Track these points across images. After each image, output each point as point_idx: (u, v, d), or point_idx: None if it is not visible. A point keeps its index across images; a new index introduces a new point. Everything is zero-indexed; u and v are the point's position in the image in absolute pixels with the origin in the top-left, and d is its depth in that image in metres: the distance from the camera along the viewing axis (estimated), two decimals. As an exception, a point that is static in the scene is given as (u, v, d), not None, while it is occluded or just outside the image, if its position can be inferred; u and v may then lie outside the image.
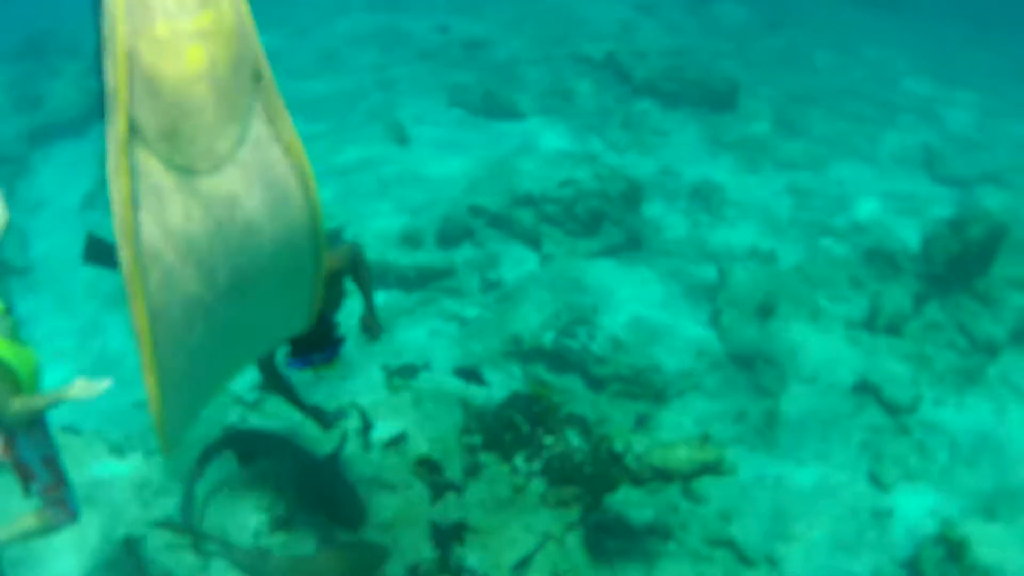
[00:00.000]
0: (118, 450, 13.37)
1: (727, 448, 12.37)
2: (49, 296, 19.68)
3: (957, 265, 16.82)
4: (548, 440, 11.41)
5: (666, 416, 14.61)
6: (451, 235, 18.10)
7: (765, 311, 16.33)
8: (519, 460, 11.33)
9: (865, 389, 15.53)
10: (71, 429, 13.97)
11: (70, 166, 25.08)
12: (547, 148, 21.81)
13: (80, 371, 16.81)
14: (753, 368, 15.70)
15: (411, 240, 17.78)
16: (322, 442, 11.97)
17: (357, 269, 9.41)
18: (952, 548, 12.71)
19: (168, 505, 12.07)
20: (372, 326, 9.67)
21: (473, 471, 11.32)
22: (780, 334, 16.12)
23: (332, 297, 9.10)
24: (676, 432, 14.11)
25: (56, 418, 15.02)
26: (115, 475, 12.79)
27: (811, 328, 16.35)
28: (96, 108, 6.63)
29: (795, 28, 32.43)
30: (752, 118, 24.39)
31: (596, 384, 14.76)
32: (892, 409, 15.30)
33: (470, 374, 13.26)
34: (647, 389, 14.75)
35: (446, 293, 16.99)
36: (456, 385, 13.82)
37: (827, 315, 16.75)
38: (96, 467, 12.98)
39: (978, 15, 36.55)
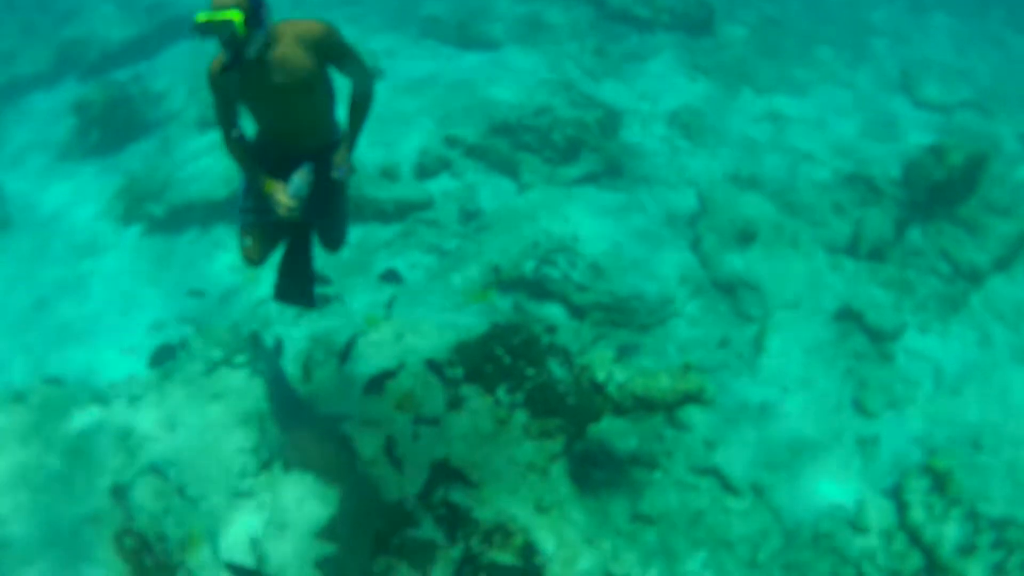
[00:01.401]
0: (102, 398, 13.41)
1: (710, 375, 12.34)
2: (27, 248, 19.56)
3: (939, 192, 16.78)
4: (530, 371, 11.32)
5: (649, 342, 14.51)
6: (428, 167, 17.95)
7: (746, 237, 16.20)
8: (501, 392, 11.24)
9: (848, 316, 15.48)
10: (55, 380, 13.98)
11: (44, 119, 24.92)
12: (522, 77, 21.58)
13: (62, 322, 16.95)
14: (735, 294, 15.59)
15: (388, 174, 17.62)
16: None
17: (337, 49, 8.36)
18: (937, 478, 12.69)
19: (154, 452, 12.05)
20: (343, 164, 8.81)
21: (455, 404, 11.24)
22: (762, 260, 16.01)
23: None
24: (659, 360, 14.11)
25: (37, 371, 15.06)
26: (100, 423, 12.82)
27: (793, 254, 16.28)
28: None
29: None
30: (729, 44, 24.13)
31: (578, 312, 14.61)
32: (875, 336, 15.25)
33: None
34: (629, 317, 14.61)
35: (425, 225, 16.81)
36: (438, 318, 13.78)
37: (809, 241, 16.66)
38: (80, 417, 12.99)
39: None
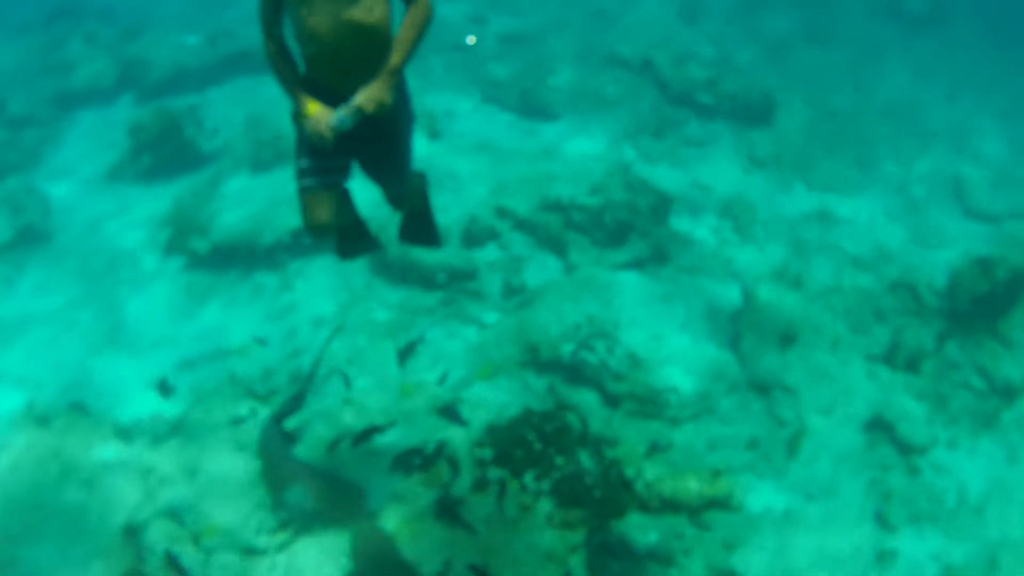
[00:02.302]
0: (125, 434, 13.45)
1: (737, 475, 12.36)
2: (68, 265, 19.63)
3: (982, 305, 16.67)
4: (559, 460, 11.28)
5: (679, 437, 14.47)
6: (476, 236, 17.96)
7: (786, 338, 16.19)
8: (529, 478, 11.21)
9: (879, 426, 15.40)
10: (79, 407, 13.99)
11: (97, 134, 25.06)
12: (579, 152, 21.64)
13: (92, 344, 16.96)
14: (769, 395, 15.55)
15: (435, 239, 17.62)
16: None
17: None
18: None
19: (172, 495, 12.09)
20: (382, 92, 7.57)
21: (481, 486, 11.23)
22: (799, 363, 16.02)
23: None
24: (688, 455, 14.07)
25: (64, 393, 15.07)
26: (120, 459, 12.89)
27: (831, 359, 16.26)
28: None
29: (835, 43, 32.18)
30: (786, 136, 24.09)
31: (611, 401, 14.64)
32: (904, 448, 15.20)
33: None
34: (662, 410, 14.62)
35: (467, 295, 16.87)
36: (470, 393, 13.82)
37: (848, 347, 16.63)
38: (101, 449, 13.07)
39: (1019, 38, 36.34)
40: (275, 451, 12.68)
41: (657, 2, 32.79)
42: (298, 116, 7.68)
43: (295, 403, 13.61)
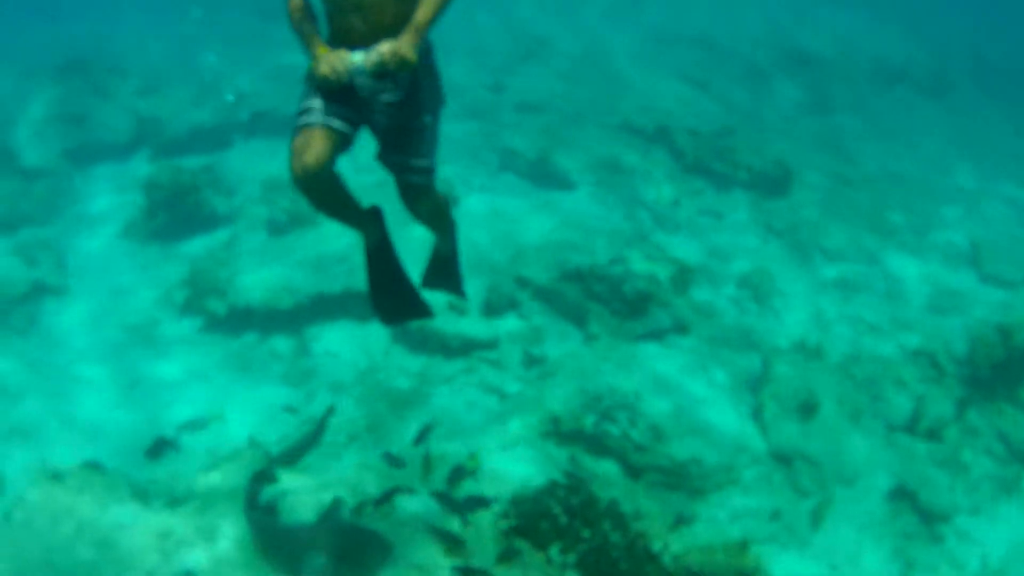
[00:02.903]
0: (142, 494, 13.32)
1: (761, 546, 12.34)
2: (82, 318, 19.77)
3: (1002, 371, 16.77)
4: (585, 533, 11.25)
5: (702, 510, 14.40)
6: (496, 305, 17.98)
7: (808, 408, 16.20)
8: (554, 551, 11.15)
9: (902, 494, 15.42)
10: (94, 465, 13.93)
11: (112, 190, 25.14)
12: (598, 222, 21.71)
13: (106, 401, 16.95)
14: (792, 466, 15.52)
15: (455, 307, 17.63)
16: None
17: None
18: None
19: (189, 559, 12.00)
20: (404, 49, 6.93)
21: (506, 557, 11.14)
22: (821, 433, 16.01)
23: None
24: (711, 527, 14.01)
25: (79, 452, 15.02)
26: (136, 521, 12.69)
27: (852, 429, 16.29)
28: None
29: (846, 111, 32.49)
30: (803, 205, 24.17)
31: (633, 472, 14.51)
32: (927, 516, 15.21)
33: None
34: (685, 481, 14.55)
35: (487, 364, 16.87)
36: (493, 466, 13.81)
37: (869, 416, 16.67)
38: (117, 509, 12.87)
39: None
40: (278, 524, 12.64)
41: (669, 69, 33.09)
42: (313, 59, 7.12)
43: (265, 478, 13.54)
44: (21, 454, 16.13)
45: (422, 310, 8.98)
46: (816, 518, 14.89)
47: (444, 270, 9.63)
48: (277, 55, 32.29)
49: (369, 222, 8.38)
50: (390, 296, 8.69)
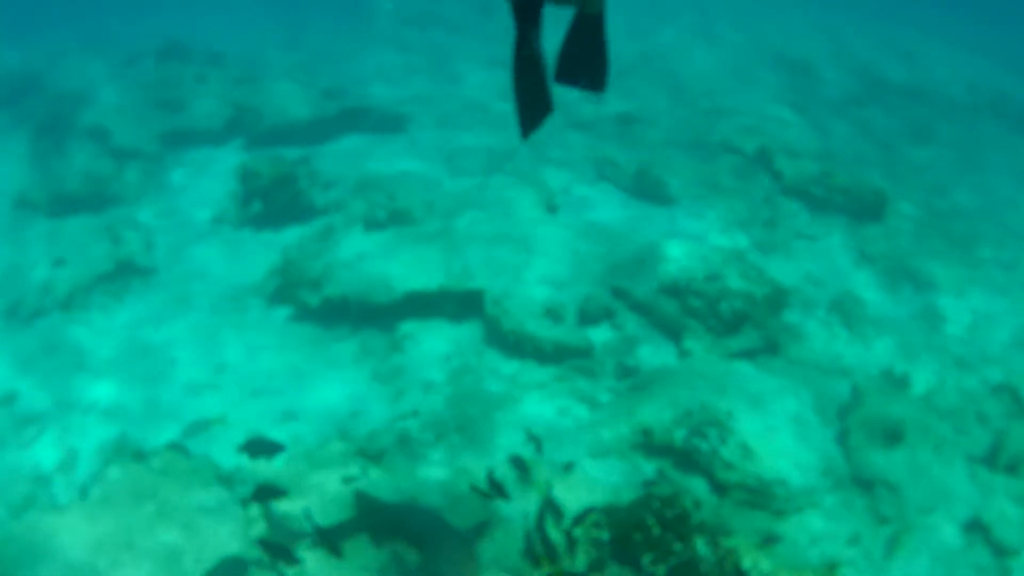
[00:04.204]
0: (227, 481, 13.64)
1: (839, 570, 12.51)
2: (169, 302, 20.25)
3: (1083, 410, 16.91)
4: (677, 546, 11.41)
5: (784, 530, 14.59)
6: (592, 314, 18.20)
7: (892, 436, 16.32)
8: (646, 562, 11.31)
9: (976, 527, 15.52)
10: (179, 448, 14.15)
11: (204, 175, 25.47)
12: (695, 238, 21.83)
13: (191, 385, 17.17)
14: (873, 492, 15.66)
15: (552, 314, 17.90)
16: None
17: None
18: None
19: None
20: None
21: (597, 567, 11.34)
22: (903, 462, 16.13)
23: None
24: (791, 548, 14.22)
25: (161, 434, 15.18)
26: (220, 505, 13.01)
27: (934, 459, 16.37)
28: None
29: (939, 142, 32.33)
30: (896, 233, 24.22)
31: (720, 489, 14.77)
32: (999, 551, 15.31)
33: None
34: (770, 502, 14.76)
35: (580, 372, 17.11)
36: (585, 475, 14.02)
37: (950, 447, 16.75)
38: (201, 494, 13.17)
39: None
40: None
41: (768, 91, 33.13)
42: None
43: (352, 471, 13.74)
44: (99, 431, 16.43)
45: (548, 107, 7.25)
46: (892, 545, 15.01)
47: (588, 52, 7.35)
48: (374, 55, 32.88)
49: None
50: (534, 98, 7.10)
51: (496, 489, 12.46)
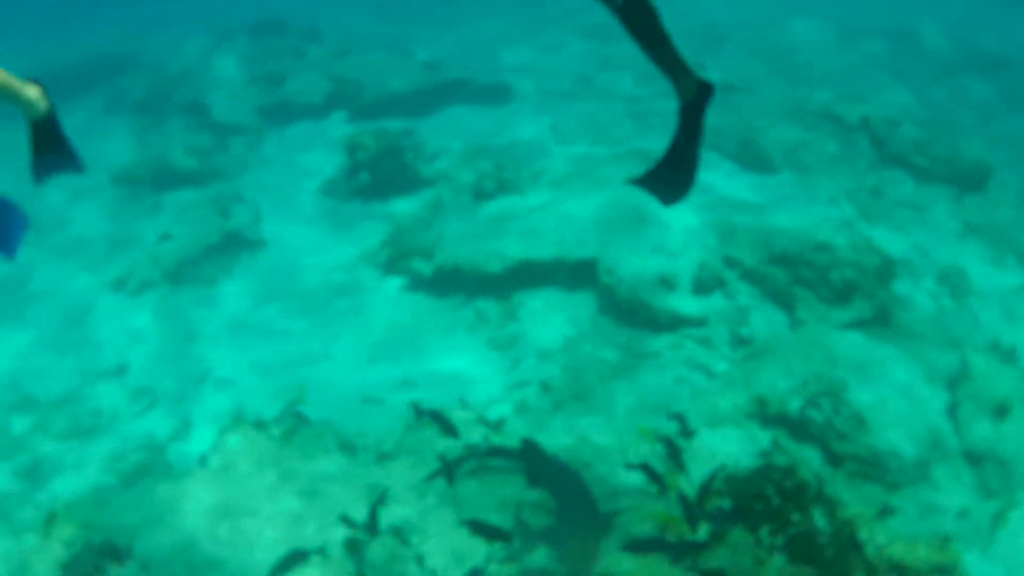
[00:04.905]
0: (349, 448, 13.73)
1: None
2: (279, 274, 20.77)
3: None
4: (796, 517, 11.51)
5: (896, 502, 14.71)
6: (704, 283, 18.32)
7: (1001, 410, 16.40)
8: (764, 532, 11.46)
9: (1085, 506, 15.61)
10: (299, 415, 14.42)
11: (307, 149, 25.78)
12: (802, 207, 21.94)
13: (305, 355, 17.44)
14: (981, 466, 15.76)
15: (666, 282, 18.09)
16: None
17: None
18: None
19: (396, 514, 12.45)
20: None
21: (719, 536, 11.51)
22: (1012, 437, 16.20)
23: None
24: (903, 522, 14.34)
25: (276, 403, 15.44)
26: (343, 472, 13.17)
27: (1042, 434, 16.48)
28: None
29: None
30: (999, 204, 24.10)
31: (834, 460, 14.91)
32: (1108, 531, 15.41)
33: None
34: (884, 474, 14.89)
35: (695, 341, 17.29)
36: (699, 441, 14.26)
37: (1058, 423, 16.84)
38: (323, 460, 13.37)
39: None
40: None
41: (867, 58, 33.01)
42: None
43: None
44: (213, 401, 16.92)
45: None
46: (998, 520, 15.10)
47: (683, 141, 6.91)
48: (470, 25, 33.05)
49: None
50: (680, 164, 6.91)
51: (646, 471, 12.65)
